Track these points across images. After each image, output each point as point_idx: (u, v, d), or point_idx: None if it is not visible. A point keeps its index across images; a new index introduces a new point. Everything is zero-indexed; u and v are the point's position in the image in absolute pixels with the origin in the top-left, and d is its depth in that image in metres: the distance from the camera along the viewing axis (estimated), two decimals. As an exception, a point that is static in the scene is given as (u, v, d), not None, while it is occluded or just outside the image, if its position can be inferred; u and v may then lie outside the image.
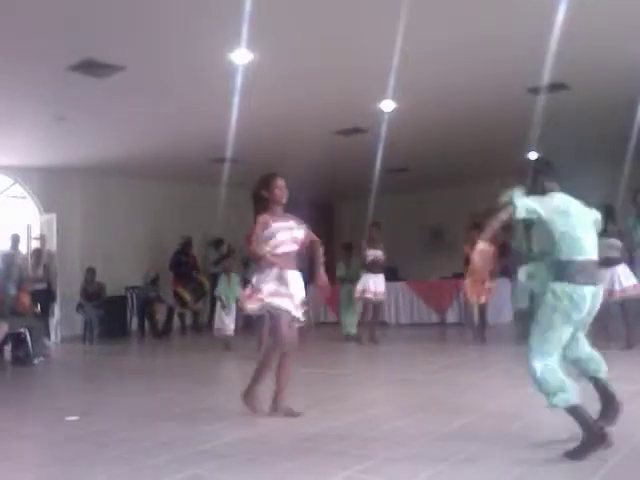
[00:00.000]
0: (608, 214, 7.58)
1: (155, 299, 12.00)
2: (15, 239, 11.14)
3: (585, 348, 3.66)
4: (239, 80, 6.82)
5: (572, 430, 3.39)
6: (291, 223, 4.54)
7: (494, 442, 3.67)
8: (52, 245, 11.53)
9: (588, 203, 3.63)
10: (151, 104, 8.07)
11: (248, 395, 4.64)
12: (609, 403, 3.67)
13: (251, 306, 4.41)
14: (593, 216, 3.64)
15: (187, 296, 12.19)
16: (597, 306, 3.52)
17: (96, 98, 7.64)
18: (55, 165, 11.29)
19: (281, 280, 4.41)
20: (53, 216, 11.59)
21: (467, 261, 8.67)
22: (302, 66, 6.81)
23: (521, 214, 3.36)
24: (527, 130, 8.97)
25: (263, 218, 4.45)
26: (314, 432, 4.06)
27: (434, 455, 3.47)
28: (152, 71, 6.87)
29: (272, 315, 4.51)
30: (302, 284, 4.57)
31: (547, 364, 3.35)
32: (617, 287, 7.29)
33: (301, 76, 7.11)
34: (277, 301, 4.40)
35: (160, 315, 11.99)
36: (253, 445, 3.84)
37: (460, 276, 9.49)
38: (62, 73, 6.62)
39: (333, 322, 11.68)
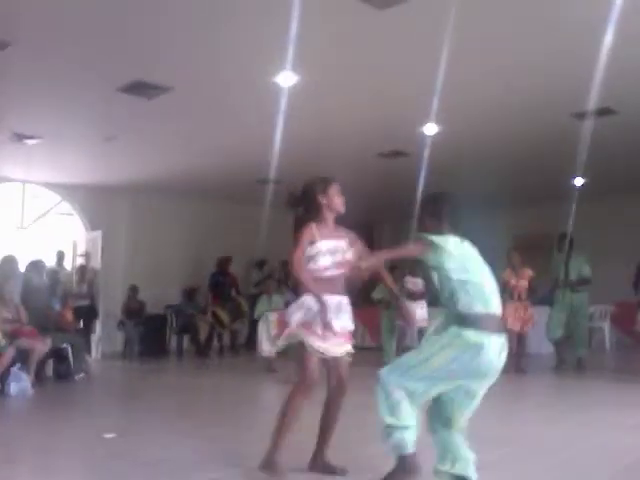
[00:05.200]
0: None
1: (195, 315, 12.02)
2: (60, 255, 11.41)
3: None
4: (284, 102, 6.88)
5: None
6: (341, 243, 3.68)
7: (526, 470, 3.56)
8: (96, 262, 11.73)
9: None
10: (198, 124, 8.19)
11: (269, 463, 3.49)
12: None
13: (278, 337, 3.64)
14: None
15: (224, 316, 12.20)
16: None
17: (144, 118, 7.80)
18: (102, 183, 11.51)
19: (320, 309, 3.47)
20: (99, 233, 11.79)
21: (506, 286, 8.51)
22: (345, 88, 6.83)
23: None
24: (573, 155, 8.83)
25: (311, 229, 3.64)
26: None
27: None
28: (199, 92, 6.98)
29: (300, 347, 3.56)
30: (348, 311, 3.69)
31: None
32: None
33: (344, 98, 7.14)
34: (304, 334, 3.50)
35: (203, 333, 12.02)
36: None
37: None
38: (112, 94, 6.78)
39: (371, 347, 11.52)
